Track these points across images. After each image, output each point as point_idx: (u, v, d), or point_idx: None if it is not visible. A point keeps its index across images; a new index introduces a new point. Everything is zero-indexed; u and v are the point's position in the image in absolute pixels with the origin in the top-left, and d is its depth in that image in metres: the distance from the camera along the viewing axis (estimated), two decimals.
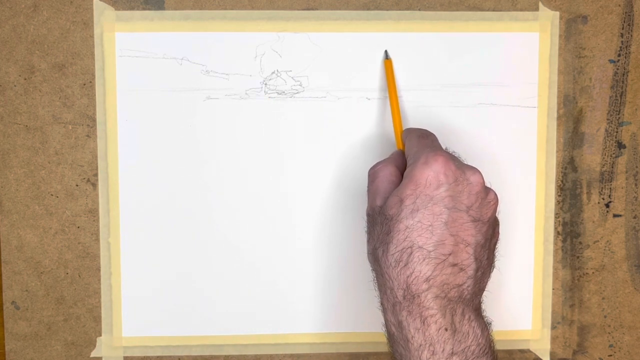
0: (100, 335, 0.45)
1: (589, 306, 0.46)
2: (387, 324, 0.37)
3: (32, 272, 0.45)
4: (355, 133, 0.45)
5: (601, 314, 0.46)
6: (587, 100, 0.45)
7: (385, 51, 0.44)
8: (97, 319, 0.45)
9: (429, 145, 0.38)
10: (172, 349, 0.46)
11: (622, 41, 0.45)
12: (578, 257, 0.46)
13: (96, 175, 0.44)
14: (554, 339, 0.46)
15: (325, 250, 0.45)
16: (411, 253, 0.35)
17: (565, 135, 0.45)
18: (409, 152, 0.38)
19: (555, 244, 0.46)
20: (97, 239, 0.45)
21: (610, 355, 0.47)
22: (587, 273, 0.46)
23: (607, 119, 0.45)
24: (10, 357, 0.45)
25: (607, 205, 0.46)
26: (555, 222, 0.46)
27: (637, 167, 0.46)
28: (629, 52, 0.45)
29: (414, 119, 0.45)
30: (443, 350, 0.34)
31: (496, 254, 0.38)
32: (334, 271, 0.46)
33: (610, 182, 0.46)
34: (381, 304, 0.37)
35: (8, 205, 0.44)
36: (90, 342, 0.45)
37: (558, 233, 0.46)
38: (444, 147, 0.39)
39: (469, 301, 0.35)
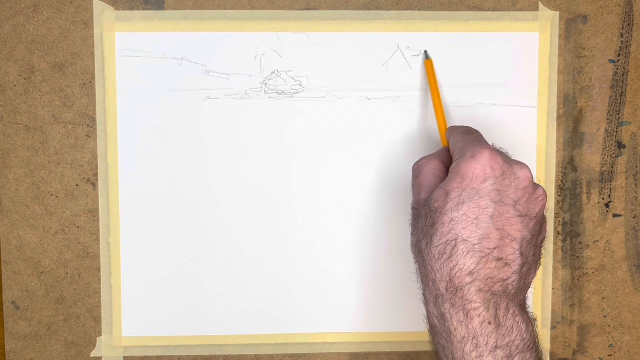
0: (100, 335, 0.45)
1: (589, 306, 0.46)
2: (429, 316, 0.36)
3: (32, 272, 0.45)
4: (355, 133, 0.45)
5: (601, 314, 0.46)
6: (587, 100, 0.45)
7: (425, 51, 0.44)
8: (97, 319, 0.45)
9: (475, 140, 0.38)
10: (172, 349, 0.46)
11: (622, 41, 0.45)
12: (578, 257, 0.46)
13: (96, 175, 0.44)
14: (553, 339, 0.46)
15: (326, 250, 0.45)
16: (455, 246, 0.35)
17: (565, 135, 0.45)
18: (455, 148, 0.38)
19: (555, 243, 0.46)
20: (97, 239, 0.45)
21: (610, 355, 0.47)
22: (587, 273, 0.46)
23: (607, 119, 0.45)
24: (10, 357, 0.45)
25: (607, 205, 0.46)
26: (555, 222, 0.46)
27: (637, 167, 0.46)
28: (629, 52, 0.45)
29: (414, 119, 0.45)
30: (487, 343, 0.34)
31: (543, 251, 0.38)
32: (334, 271, 0.46)
33: (610, 182, 0.46)
34: (423, 295, 0.37)
35: (8, 205, 0.44)
36: (90, 342, 0.45)
37: (558, 233, 0.46)
38: (490, 143, 0.39)
39: (514, 296, 0.35)
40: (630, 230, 0.46)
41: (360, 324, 0.46)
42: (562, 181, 0.46)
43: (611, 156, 0.45)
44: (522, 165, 0.36)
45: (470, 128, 0.40)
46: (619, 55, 0.45)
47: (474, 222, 0.35)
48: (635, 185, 0.46)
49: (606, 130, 0.45)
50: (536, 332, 0.36)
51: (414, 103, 0.45)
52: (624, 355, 0.47)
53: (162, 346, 0.46)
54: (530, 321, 0.36)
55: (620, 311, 0.46)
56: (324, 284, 0.46)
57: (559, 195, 0.46)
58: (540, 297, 0.46)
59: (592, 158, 0.45)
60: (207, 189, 0.45)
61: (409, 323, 0.46)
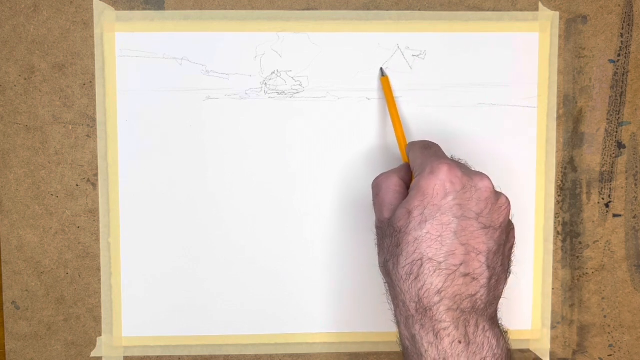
0: (100, 335, 0.45)
1: (589, 306, 0.46)
2: (401, 338, 0.36)
3: (32, 272, 0.45)
4: (355, 133, 0.45)
5: (601, 313, 0.46)
6: (587, 100, 0.45)
7: (381, 68, 0.44)
8: (97, 319, 0.45)
9: (433, 155, 0.37)
10: (172, 349, 0.46)
11: (622, 41, 0.45)
12: (578, 257, 0.46)
13: (96, 175, 0.44)
14: (553, 338, 0.46)
15: (326, 250, 0.45)
16: (421, 265, 0.34)
17: (565, 135, 0.45)
18: (414, 164, 0.38)
19: (555, 244, 0.46)
20: (97, 239, 0.45)
21: (610, 355, 0.47)
22: (587, 273, 0.46)
23: (607, 119, 0.45)
24: (11, 357, 0.45)
25: (607, 205, 0.46)
26: (555, 222, 0.46)
27: (637, 167, 0.46)
28: (629, 52, 0.45)
29: (414, 120, 0.45)
30: None
31: (513, 259, 0.38)
32: (334, 271, 0.46)
33: (610, 182, 0.46)
34: (395, 316, 0.37)
35: (8, 205, 0.44)
36: (90, 342, 0.45)
37: (558, 233, 0.46)
38: (449, 156, 0.38)
39: (483, 311, 0.35)
40: (630, 230, 0.46)
41: (360, 323, 0.46)
42: (562, 181, 0.46)
43: (611, 156, 0.45)
44: (482, 176, 0.36)
45: (428, 142, 0.40)
46: (618, 55, 0.45)
47: (438, 239, 0.34)
48: (635, 185, 0.46)
49: (606, 130, 0.45)
50: (508, 345, 0.36)
51: (414, 103, 0.45)
52: (624, 355, 0.47)
53: (162, 346, 0.46)
54: (501, 334, 0.35)
55: (620, 311, 0.46)
56: (324, 284, 0.46)
57: (559, 195, 0.46)
58: (540, 297, 0.46)
59: (592, 158, 0.45)
60: (207, 189, 0.45)
61: None
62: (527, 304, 0.46)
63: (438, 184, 0.35)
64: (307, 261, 0.45)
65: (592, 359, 0.47)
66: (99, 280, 0.45)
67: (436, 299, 0.34)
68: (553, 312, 0.46)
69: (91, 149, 0.44)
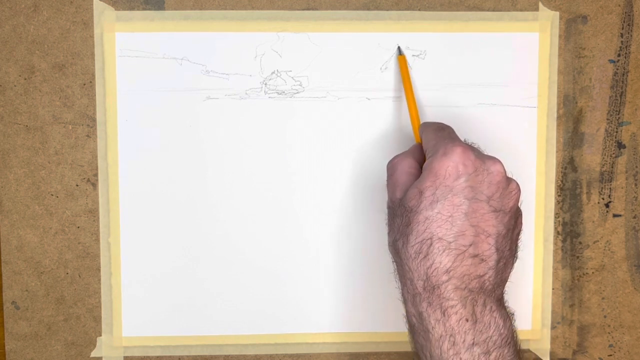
0: (100, 335, 0.45)
1: (589, 306, 0.46)
2: (407, 315, 0.37)
3: (32, 272, 0.45)
4: (356, 133, 0.45)
5: (601, 313, 0.46)
6: (587, 100, 0.45)
7: (399, 47, 0.44)
8: (97, 319, 0.45)
9: (447, 137, 0.37)
10: (172, 349, 0.46)
11: (622, 41, 0.45)
12: (578, 257, 0.46)
13: (96, 175, 0.44)
14: (553, 338, 0.46)
15: (326, 250, 0.45)
16: (431, 244, 0.35)
17: (565, 135, 0.45)
18: (427, 145, 0.38)
19: (555, 243, 0.46)
20: (97, 239, 0.45)
21: (610, 355, 0.47)
22: (587, 273, 0.46)
23: (607, 119, 0.45)
24: (11, 357, 0.45)
25: (607, 205, 0.46)
26: (555, 222, 0.46)
27: (637, 167, 0.46)
28: (629, 52, 0.45)
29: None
30: (464, 340, 0.34)
31: (519, 244, 0.38)
32: (334, 271, 0.46)
33: (610, 182, 0.46)
34: (402, 295, 0.37)
35: (8, 205, 0.44)
36: (90, 342, 0.45)
37: (558, 233, 0.46)
38: (462, 139, 0.39)
39: (491, 292, 0.35)
40: (630, 230, 0.46)
41: (360, 323, 0.46)
42: (562, 181, 0.46)
43: (611, 156, 0.45)
44: (494, 160, 0.36)
45: (442, 124, 0.40)
46: (618, 55, 0.45)
47: (448, 220, 0.35)
48: (635, 185, 0.46)
49: (606, 130, 0.45)
50: (514, 326, 0.36)
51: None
52: (623, 355, 0.47)
53: (162, 346, 0.46)
54: (507, 316, 0.36)
55: (620, 311, 0.46)
56: (324, 284, 0.46)
57: (559, 195, 0.46)
58: (540, 297, 0.46)
59: (592, 158, 0.45)
60: (207, 189, 0.45)
61: None
62: (527, 304, 0.46)
63: (451, 166, 0.35)
64: (307, 261, 0.45)
65: (592, 359, 0.47)
66: (99, 280, 0.45)
67: (444, 277, 0.34)
68: (553, 312, 0.46)
69: (91, 149, 0.44)
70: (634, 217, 0.46)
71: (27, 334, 0.45)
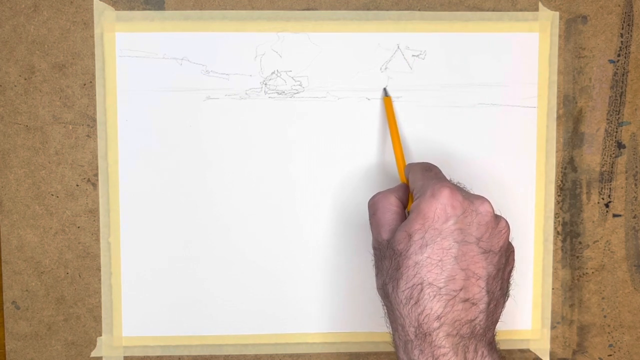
0: (101, 335, 0.45)
1: (589, 306, 0.46)
2: None
3: (32, 272, 0.45)
4: (356, 133, 0.45)
5: (601, 313, 0.46)
6: (586, 100, 0.45)
7: (384, 89, 0.44)
8: (97, 319, 0.45)
9: (434, 178, 0.37)
10: (172, 349, 0.46)
11: (621, 41, 0.45)
12: (578, 257, 0.46)
13: (96, 175, 0.44)
14: (553, 338, 0.46)
15: (326, 250, 0.45)
16: (421, 290, 0.34)
17: (565, 135, 0.45)
18: (414, 186, 0.38)
19: (555, 243, 0.46)
20: (97, 239, 0.45)
21: (610, 355, 0.47)
22: (586, 273, 0.46)
23: (607, 119, 0.45)
24: (11, 357, 0.45)
25: (607, 205, 0.46)
26: (555, 222, 0.46)
27: (636, 167, 0.46)
28: (629, 52, 0.45)
29: (414, 120, 0.45)
30: None
31: (511, 281, 0.38)
32: (334, 271, 0.46)
33: (610, 182, 0.46)
34: (393, 340, 0.36)
35: (8, 205, 0.44)
36: (90, 341, 0.45)
37: (558, 233, 0.46)
38: (448, 178, 0.38)
39: (482, 336, 0.35)
40: (630, 230, 0.46)
41: (361, 324, 0.46)
42: (561, 181, 0.46)
43: (611, 156, 0.46)
44: (482, 199, 0.36)
45: (429, 164, 0.39)
46: (618, 55, 0.45)
47: (438, 264, 0.34)
48: (635, 185, 0.46)
49: (606, 130, 0.45)
50: None
51: (414, 103, 0.45)
52: (623, 355, 0.47)
53: (162, 346, 0.46)
54: None
55: (620, 311, 0.46)
56: (324, 284, 0.46)
57: (559, 195, 0.46)
58: (540, 296, 0.46)
59: (592, 158, 0.46)
60: (207, 189, 0.45)
61: None
62: (527, 304, 0.46)
63: (439, 208, 0.35)
64: (307, 261, 0.45)
65: (592, 359, 0.47)
66: (99, 280, 0.45)
67: (436, 324, 0.34)
68: (553, 312, 0.46)
69: (91, 149, 0.44)
70: (634, 217, 0.46)
71: (27, 333, 0.45)
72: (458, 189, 0.36)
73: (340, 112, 0.45)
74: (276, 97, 0.44)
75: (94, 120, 0.44)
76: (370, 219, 0.39)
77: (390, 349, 0.46)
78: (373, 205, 0.39)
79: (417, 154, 0.45)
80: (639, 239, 0.46)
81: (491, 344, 0.36)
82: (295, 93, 0.44)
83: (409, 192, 0.40)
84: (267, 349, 0.46)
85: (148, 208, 0.45)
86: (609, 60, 0.45)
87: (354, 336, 0.46)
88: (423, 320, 0.34)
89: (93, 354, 0.46)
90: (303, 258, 0.45)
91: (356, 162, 0.45)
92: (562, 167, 0.45)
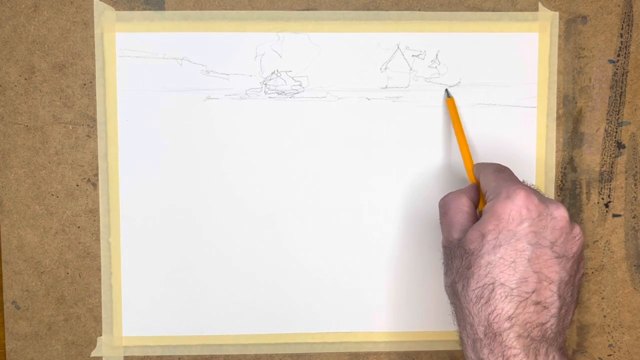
0: (101, 335, 0.45)
1: (589, 306, 0.46)
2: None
3: (32, 272, 0.45)
4: (355, 133, 0.45)
5: (601, 313, 0.46)
6: (586, 101, 0.45)
7: (446, 90, 0.44)
8: (98, 319, 0.45)
9: (508, 179, 0.37)
10: (172, 349, 0.46)
11: (621, 41, 0.45)
12: None
13: (96, 175, 0.44)
14: None
15: (325, 250, 0.45)
16: (493, 290, 0.34)
17: (564, 135, 0.45)
18: (487, 187, 0.38)
19: None
20: (97, 239, 0.45)
21: (610, 355, 0.47)
22: (586, 273, 0.46)
23: (607, 119, 0.45)
24: (11, 357, 0.45)
25: (607, 205, 0.46)
26: None
27: (636, 167, 0.46)
28: (629, 52, 0.45)
29: (414, 120, 0.45)
30: None
31: (580, 289, 0.38)
32: (334, 271, 0.46)
33: (610, 182, 0.46)
34: (460, 338, 0.36)
35: (8, 205, 0.44)
36: (90, 341, 0.45)
37: None
38: (521, 180, 0.38)
39: (553, 340, 0.34)
40: (630, 230, 0.46)
41: (360, 323, 0.46)
42: (561, 181, 0.46)
43: (611, 156, 0.46)
44: (557, 204, 0.36)
45: (500, 165, 0.39)
46: (618, 55, 0.45)
47: (511, 265, 0.34)
48: (635, 185, 0.46)
49: (606, 131, 0.45)
50: None
51: (414, 103, 0.45)
52: (623, 355, 0.47)
53: (162, 346, 0.46)
54: None
55: (619, 311, 0.46)
56: (323, 284, 0.46)
57: (559, 196, 0.46)
58: None
59: (591, 158, 0.46)
60: (207, 189, 0.45)
61: (408, 323, 0.46)
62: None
63: (514, 210, 0.35)
64: (307, 261, 0.45)
65: (592, 359, 0.47)
66: (99, 280, 0.45)
67: (507, 324, 0.34)
68: None
69: (91, 149, 0.44)
70: (634, 217, 0.46)
71: (28, 333, 0.45)
72: (534, 192, 0.36)
73: (340, 112, 0.45)
74: (276, 97, 0.44)
75: (94, 120, 0.44)
76: (440, 219, 0.39)
77: (390, 348, 0.46)
78: (444, 205, 0.39)
79: (417, 154, 0.45)
80: (638, 239, 0.46)
81: (562, 350, 0.35)
82: (295, 93, 0.45)
83: (479, 193, 0.40)
84: (267, 349, 0.46)
85: (148, 208, 0.45)
86: (609, 60, 0.45)
87: (354, 336, 0.46)
88: (493, 319, 0.34)
89: (93, 354, 0.46)
90: (303, 258, 0.45)
91: (355, 162, 0.45)
92: (561, 167, 0.46)
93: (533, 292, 0.34)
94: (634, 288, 0.46)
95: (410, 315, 0.46)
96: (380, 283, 0.46)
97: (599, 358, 0.47)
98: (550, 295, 0.35)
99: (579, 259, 0.37)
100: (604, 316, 0.46)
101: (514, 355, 0.33)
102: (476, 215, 0.38)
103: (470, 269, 0.35)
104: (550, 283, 0.35)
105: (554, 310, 0.35)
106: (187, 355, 0.46)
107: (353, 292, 0.46)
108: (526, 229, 0.35)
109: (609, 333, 0.47)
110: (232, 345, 0.46)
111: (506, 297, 0.34)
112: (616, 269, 0.46)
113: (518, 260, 0.34)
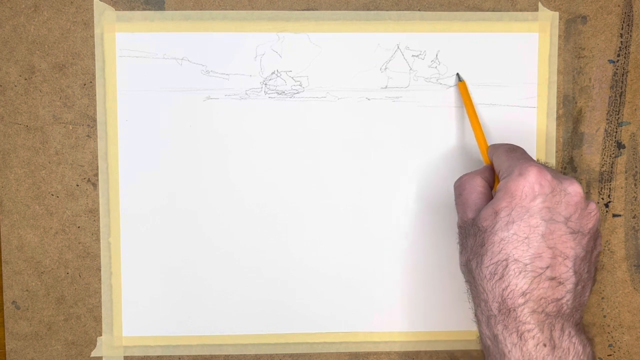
0: (101, 335, 0.45)
1: (588, 306, 0.46)
2: (482, 337, 0.36)
3: (32, 272, 0.45)
4: (356, 133, 0.45)
5: (600, 313, 0.46)
6: (586, 101, 0.45)
7: (457, 74, 0.44)
8: (98, 319, 0.45)
9: (520, 158, 0.37)
10: (172, 349, 0.46)
11: (621, 41, 0.45)
12: None
13: (96, 175, 0.44)
14: None
15: (325, 250, 0.45)
16: (506, 266, 0.34)
17: (564, 135, 0.45)
18: (500, 167, 0.38)
19: None
20: (98, 239, 0.45)
21: (610, 355, 0.47)
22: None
23: (607, 119, 0.45)
24: (11, 357, 0.45)
25: (607, 205, 0.46)
26: None
27: (636, 167, 0.46)
28: (629, 53, 0.45)
29: (414, 120, 0.45)
30: None
31: (598, 266, 0.37)
32: (333, 271, 0.46)
33: (610, 182, 0.46)
34: (475, 315, 0.36)
35: (8, 205, 0.44)
36: (90, 341, 0.46)
37: None
38: (535, 159, 0.38)
39: (569, 316, 0.34)
40: (630, 230, 0.46)
41: (360, 323, 0.46)
42: None
43: (611, 156, 0.46)
44: (571, 180, 0.36)
45: (513, 145, 0.40)
46: (618, 55, 0.45)
47: (524, 241, 0.34)
48: (635, 185, 0.46)
49: (605, 131, 0.45)
50: (594, 353, 0.35)
51: (414, 103, 0.45)
52: (623, 355, 0.47)
53: (162, 346, 0.46)
54: (587, 342, 0.35)
55: (619, 311, 0.46)
56: (323, 284, 0.46)
57: None
58: None
59: (591, 158, 0.46)
60: (207, 189, 0.45)
61: (408, 323, 0.46)
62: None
63: (527, 186, 0.35)
64: (307, 261, 0.45)
65: None
66: (99, 280, 0.45)
67: (521, 300, 0.34)
68: None
69: (91, 149, 0.44)
70: (634, 217, 0.46)
71: (28, 333, 0.45)
72: (547, 168, 0.36)
73: (340, 112, 0.45)
74: (276, 97, 0.45)
75: (94, 120, 0.44)
76: (456, 200, 0.39)
77: (390, 348, 0.46)
78: (460, 187, 0.39)
79: (417, 154, 0.45)
80: (638, 239, 0.46)
81: (578, 326, 0.35)
82: (295, 93, 0.45)
83: (494, 174, 0.40)
84: (267, 349, 0.46)
85: (148, 208, 0.45)
86: (609, 61, 0.45)
87: (354, 336, 0.46)
88: (507, 295, 0.34)
89: (93, 354, 0.46)
90: (303, 257, 0.45)
91: (355, 162, 0.45)
92: (562, 167, 0.46)
93: (547, 267, 0.34)
94: (634, 288, 0.46)
95: (410, 315, 0.46)
96: (380, 283, 0.46)
97: (599, 358, 0.47)
98: (566, 271, 0.34)
99: (596, 236, 0.37)
100: (604, 316, 0.46)
101: (528, 331, 0.33)
102: (491, 196, 0.38)
103: (484, 246, 0.35)
104: (565, 259, 0.34)
105: (569, 285, 0.34)
106: (187, 355, 0.46)
107: (353, 292, 0.46)
108: (539, 205, 0.34)
109: (608, 333, 0.47)
110: (232, 345, 0.46)
111: (520, 273, 0.34)
112: (616, 269, 0.46)
113: (532, 236, 0.34)
